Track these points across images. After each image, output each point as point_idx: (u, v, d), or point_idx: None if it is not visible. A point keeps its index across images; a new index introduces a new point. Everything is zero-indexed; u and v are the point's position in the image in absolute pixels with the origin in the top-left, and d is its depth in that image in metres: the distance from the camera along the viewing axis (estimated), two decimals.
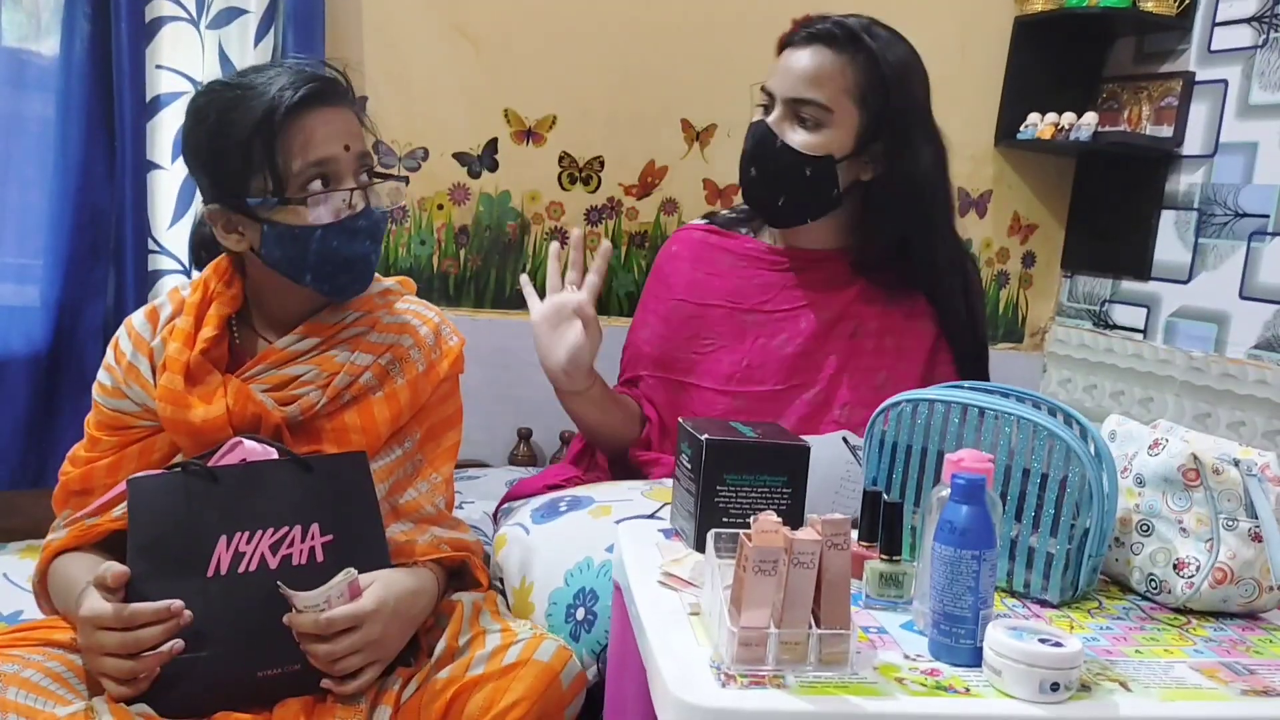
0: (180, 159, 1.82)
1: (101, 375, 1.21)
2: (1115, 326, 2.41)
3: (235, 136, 1.13)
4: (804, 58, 1.47)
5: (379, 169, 1.23)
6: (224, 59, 1.82)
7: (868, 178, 1.52)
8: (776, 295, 1.58)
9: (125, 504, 1.10)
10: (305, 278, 1.18)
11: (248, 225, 1.17)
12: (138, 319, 1.23)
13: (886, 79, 1.47)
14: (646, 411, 1.59)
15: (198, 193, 1.80)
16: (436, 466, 1.30)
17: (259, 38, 1.82)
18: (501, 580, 1.37)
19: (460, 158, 2.11)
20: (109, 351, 1.22)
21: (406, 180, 1.25)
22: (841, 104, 1.47)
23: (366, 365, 1.23)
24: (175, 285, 1.28)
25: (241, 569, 1.08)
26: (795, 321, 1.57)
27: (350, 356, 1.22)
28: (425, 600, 1.18)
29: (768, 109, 1.51)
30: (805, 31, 1.49)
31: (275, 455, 1.13)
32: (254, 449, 1.13)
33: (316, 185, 1.14)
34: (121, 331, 1.23)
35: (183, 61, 1.82)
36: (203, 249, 1.30)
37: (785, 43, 1.52)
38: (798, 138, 1.48)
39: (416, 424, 1.28)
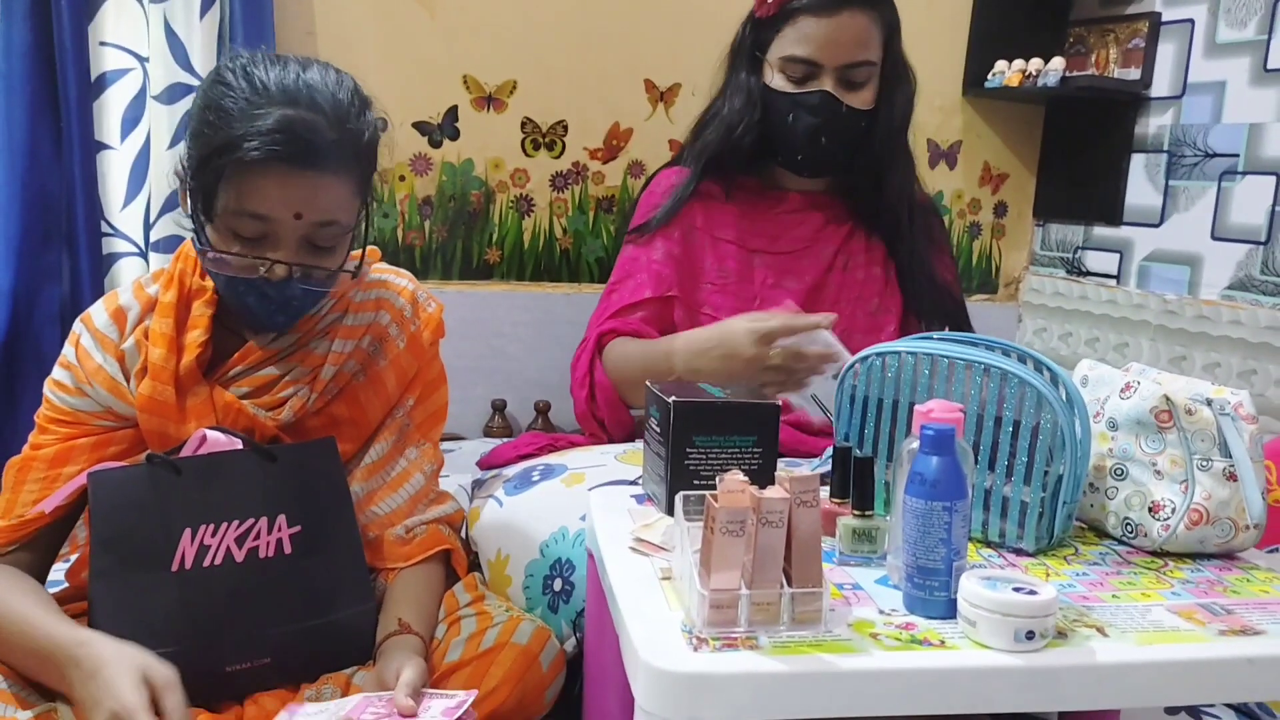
0: (129, 138, 1.80)
1: (58, 373, 1.15)
2: (1088, 273, 2.40)
3: (203, 139, 1.05)
4: (848, 25, 1.50)
5: (320, 261, 1.10)
6: (170, 33, 1.76)
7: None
8: (780, 236, 1.62)
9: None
10: (220, 294, 1.13)
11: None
12: (100, 318, 1.15)
13: (896, 19, 1.57)
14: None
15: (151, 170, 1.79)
16: (425, 432, 1.27)
17: (205, 9, 1.76)
18: (477, 554, 1.35)
19: (420, 127, 2.07)
20: (68, 349, 1.15)
21: (354, 273, 1.13)
22: (879, 55, 1.55)
23: (349, 352, 1.19)
24: (135, 278, 1.20)
25: (207, 563, 1.05)
26: (800, 261, 1.62)
27: (330, 346, 1.18)
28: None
29: (805, 78, 1.53)
30: None
31: (240, 446, 1.11)
32: (218, 439, 1.10)
33: (250, 228, 1.05)
34: (80, 329, 1.15)
35: (127, 37, 1.77)
36: None
37: (793, 7, 1.51)
38: (857, 98, 1.54)
39: (408, 392, 1.25)
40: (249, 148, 1.01)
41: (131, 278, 1.78)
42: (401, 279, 1.28)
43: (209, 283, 1.15)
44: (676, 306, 1.59)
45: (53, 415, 1.15)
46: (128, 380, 1.13)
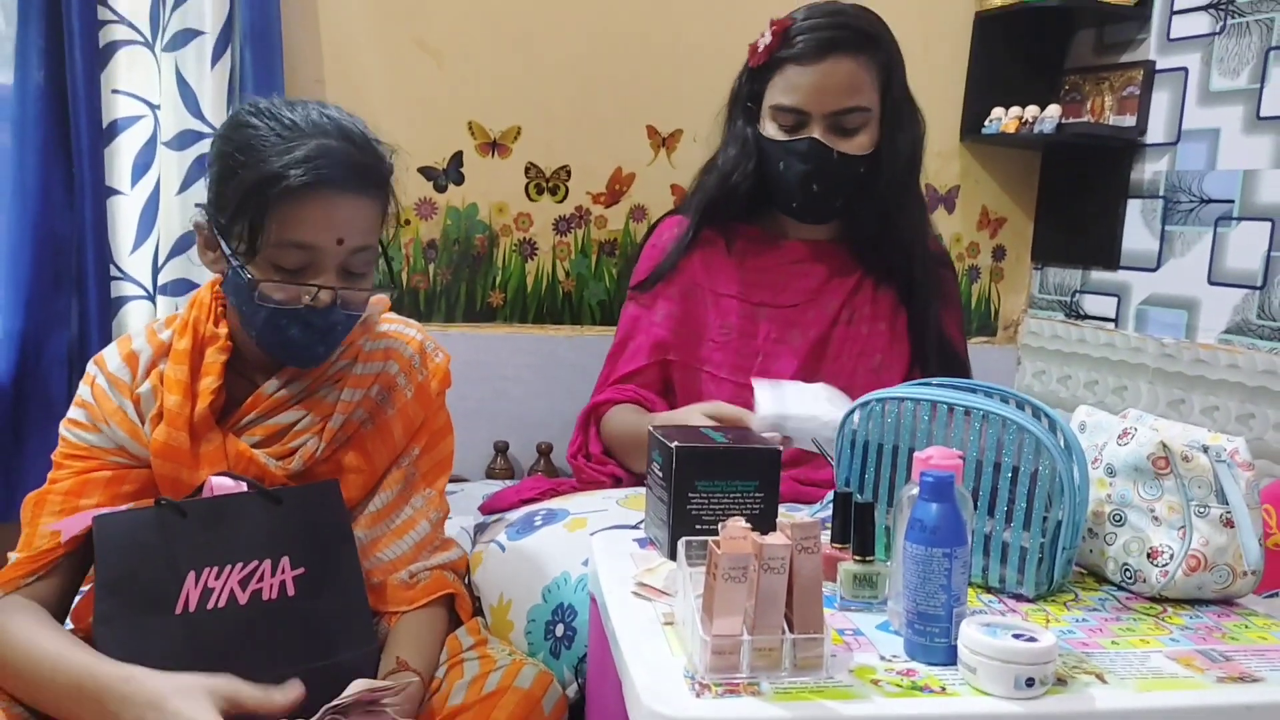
0: (139, 184, 1.83)
1: (74, 412, 1.16)
2: (1087, 316, 2.41)
3: (238, 179, 1.07)
4: (833, 72, 1.49)
5: (359, 277, 1.14)
6: (181, 81, 1.80)
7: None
8: (785, 289, 1.61)
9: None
10: (252, 334, 1.15)
11: (221, 256, 1.13)
12: (113, 361, 1.16)
13: (893, 63, 1.54)
14: (659, 408, 1.59)
15: (160, 215, 1.82)
16: (430, 481, 1.27)
17: (216, 58, 1.80)
18: (479, 599, 1.36)
19: (425, 172, 2.10)
20: (83, 389, 1.16)
21: (392, 292, 1.23)
22: (873, 100, 1.53)
23: (357, 401, 1.20)
24: (147, 323, 1.23)
25: (210, 605, 1.05)
26: (804, 316, 1.60)
27: (339, 395, 1.19)
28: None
29: (796, 126, 1.52)
30: (813, 43, 1.49)
31: (245, 489, 1.12)
32: (225, 484, 1.12)
33: (293, 259, 1.08)
34: (95, 371, 1.17)
35: (139, 85, 1.80)
36: None
37: (781, 56, 1.51)
38: (850, 145, 1.52)
39: (414, 441, 1.26)
40: (295, 175, 1.05)
41: (140, 321, 1.81)
42: (410, 329, 1.30)
43: (222, 330, 1.17)
44: (675, 369, 1.59)
45: (68, 452, 1.16)
46: (143, 423, 1.14)
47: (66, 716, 0.99)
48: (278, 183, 1.05)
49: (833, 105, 1.50)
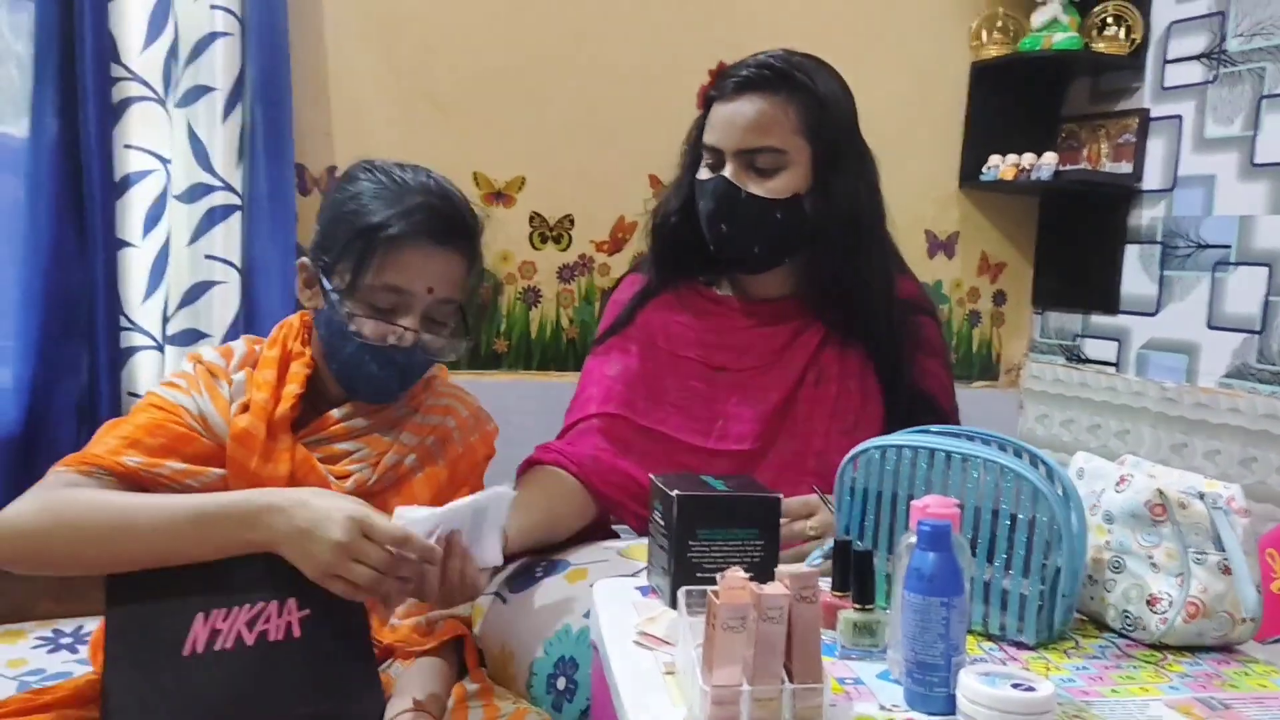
0: (150, 236, 1.86)
1: (170, 378, 1.26)
2: (1088, 360, 2.43)
3: (350, 224, 1.21)
4: (743, 108, 1.45)
5: (442, 321, 1.26)
6: (193, 136, 1.83)
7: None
8: (746, 351, 1.56)
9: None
10: (333, 366, 1.25)
11: (320, 292, 1.24)
12: (208, 353, 1.28)
13: (825, 107, 1.47)
14: (582, 470, 1.49)
15: (170, 265, 1.85)
16: None
17: (227, 113, 1.84)
18: (481, 652, 1.36)
19: None
20: (183, 366, 1.28)
21: (470, 342, 1.31)
22: (793, 143, 1.45)
23: (412, 446, 1.28)
24: (210, 348, 1.33)
25: (218, 647, 1.07)
26: (766, 377, 1.54)
27: (398, 436, 1.28)
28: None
29: (716, 165, 1.49)
30: (732, 82, 1.47)
31: None
32: None
33: (386, 300, 1.21)
34: (192, 363, 1.27)
35: (152, 140, 1.84)
36: None
37: (711, 96, 1.51)
38: (763, 186, 1.46)
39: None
40: (399, 224, 1.19)
41: (149, 371, 1.84)
42: (467, 395, 1.41)
43: (308, 351, 1.28)
44: (632, 430, 1.53)
45: (154, 402, 1.23)
46: (231, 404, 1.22)
47: (168, 555, 1.08)
48: (383, 230, 1.18)
49: (741, 143, 1.45)
